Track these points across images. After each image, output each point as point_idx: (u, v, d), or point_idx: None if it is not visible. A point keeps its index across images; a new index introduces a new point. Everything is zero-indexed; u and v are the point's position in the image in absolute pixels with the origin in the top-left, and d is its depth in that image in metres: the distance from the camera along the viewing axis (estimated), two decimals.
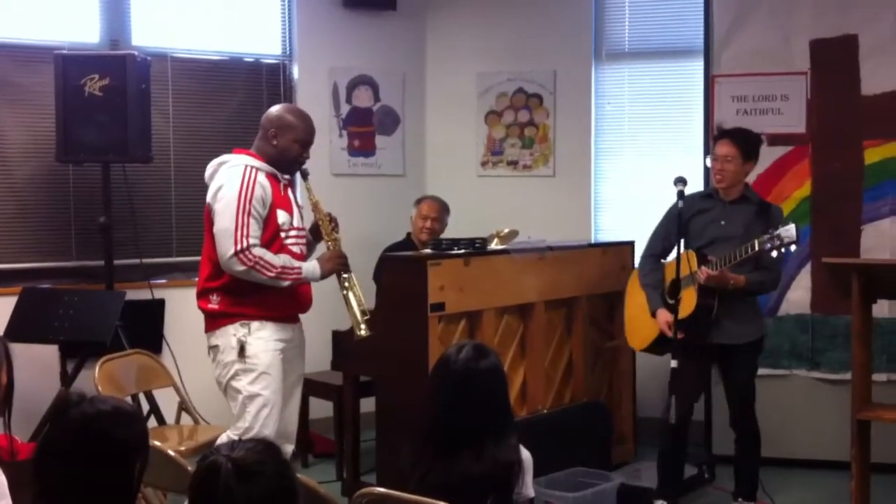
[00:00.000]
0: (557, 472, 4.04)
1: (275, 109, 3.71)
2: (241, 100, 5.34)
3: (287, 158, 3.63)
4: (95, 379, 3.78)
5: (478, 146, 5.91)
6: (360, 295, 3.66)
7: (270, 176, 3.58)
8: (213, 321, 3.58)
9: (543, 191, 5.76)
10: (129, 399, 3.87)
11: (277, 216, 3.55)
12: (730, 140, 4.07)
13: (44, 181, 4.86)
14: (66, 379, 4.39)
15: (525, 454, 2.62)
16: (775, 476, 4.48)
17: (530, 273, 4.40)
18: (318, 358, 4.78)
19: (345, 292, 3.65)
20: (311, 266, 3.62)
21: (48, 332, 4.33)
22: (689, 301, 3.91)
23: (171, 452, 2.91)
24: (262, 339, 3.54)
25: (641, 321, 4.23)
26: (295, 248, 3.63)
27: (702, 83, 5.09)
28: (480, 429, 2.54)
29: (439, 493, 2.37)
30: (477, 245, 4.28)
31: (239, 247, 3.42)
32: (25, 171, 4.83)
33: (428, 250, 4.35)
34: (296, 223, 3.66)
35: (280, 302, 3.58)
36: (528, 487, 2.63)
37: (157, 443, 3.00)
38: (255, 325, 3.53)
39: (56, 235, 4.91)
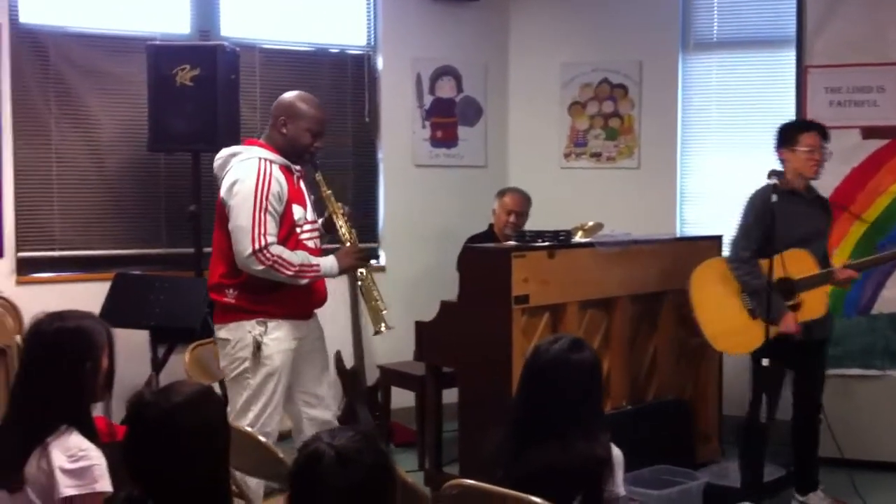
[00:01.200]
0: (641, 469, 3.98)
1: (287, 96, 3.56)
2: (327, 90, 5.36)
3: (297, 148, 3.50)
4: (185, 364, 3.84)
5: (561, 137, 5.86)
6: (377, 289, 3.59)
7: (284, 168, 3.46)
8: (227, 314, 3.49)
9: (627, 183, 5.68)
10: (216, 385, 3.93)
11: (293, 211, 3.46)
12: (818, 132, 4.02)
13: (136, 170, 4.97)
14: (156, 364, 4.50)
15: (616, 452, 2.58)
16: (867, 480, 4.36)
17: (615, 266, 4.34)
18: (401, 348, 4.80)
19: (360, 283, 3.60)
20: (329, 262, 3.51)
21: (140, 318, 4.42)
22: (820, 301, 3.89)
23: (261, 438, 2.95)
24: (278, 339, 3.46)
25: (738, 323, 4.04)
26: (310, 243, 3.53)
27: (793, 74, 4.95)
28: (565, 421, 2.49)
29: (525, 485, 2.34)
30: (561, 238, 4.24)
31: (257, 245, 3.32)
32: (118, 159, 4.95)
33: (512, 242, 4.32)
34: (309, 217, 3.56)
35: (296, 299, 3.50)
36: (619, 486, 2.59)
37: (248, 428, 3.05)
38: (271, 324, 3.44)
39: (147, 223, 5.03)
